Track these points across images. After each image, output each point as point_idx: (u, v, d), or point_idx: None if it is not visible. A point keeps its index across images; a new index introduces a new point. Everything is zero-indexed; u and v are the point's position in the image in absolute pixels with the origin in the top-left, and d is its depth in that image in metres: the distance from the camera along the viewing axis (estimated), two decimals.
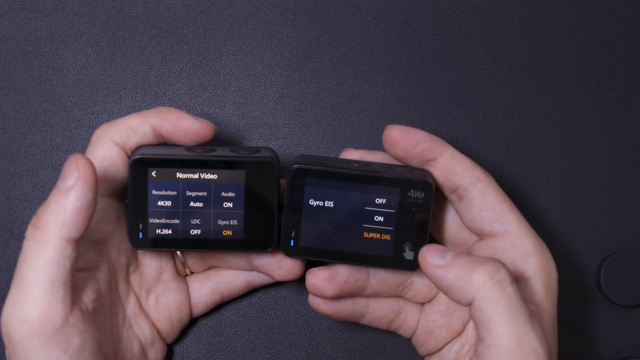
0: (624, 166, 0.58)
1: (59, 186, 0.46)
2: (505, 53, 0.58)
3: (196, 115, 0.57)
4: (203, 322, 0.57)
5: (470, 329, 0.52)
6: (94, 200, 0.46)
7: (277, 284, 0.57)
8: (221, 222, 0.50)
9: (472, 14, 0.58)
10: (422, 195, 0.50)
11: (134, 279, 0.53)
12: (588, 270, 0.58)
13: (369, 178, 0.50)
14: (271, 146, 0.58)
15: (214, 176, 0.50)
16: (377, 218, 0.50)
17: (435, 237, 0.54)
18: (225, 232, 0.51)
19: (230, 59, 0.58)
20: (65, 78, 0.57)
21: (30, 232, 0.46)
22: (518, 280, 0.49)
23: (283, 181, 0.53)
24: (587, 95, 0.58)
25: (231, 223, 0.50)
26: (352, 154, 0.52)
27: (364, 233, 0.51)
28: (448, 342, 0.53)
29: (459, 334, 0.53)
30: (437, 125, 0.58)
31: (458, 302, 0.46)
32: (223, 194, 0.50)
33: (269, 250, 0.51)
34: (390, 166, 0.51)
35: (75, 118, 0.57)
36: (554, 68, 0.58)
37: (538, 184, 0.58)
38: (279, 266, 0.52)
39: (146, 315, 0.53)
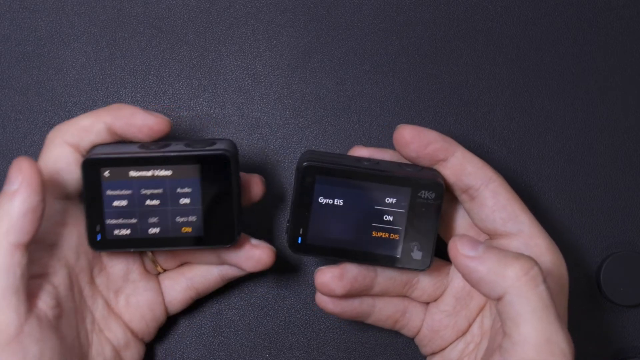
0: (624, 166, 0.58)
1: (3, 191, 0.45)
2: (505, 53, 0.58)
3: (196, 115, 0.57)
4: (203, 322, 0.57)
5: (475, 328, 0.52)
6: (41, 203, 0.45)
7: (277, 284, 0.57)
8: (179, 219, 0.49)
9: (472, 14, 0.58)
10: (433, 195, 0.50)
11: (100, 281, 0.52)
12: (588, 270, 0.58)
13: (380, 177, 0.50)
14: (271, 146, 0.58)
15: (169, 172, 0.49)
16: (386, 217, 0.50)
17: (443, 236, 0.54)
18: (184, 229, 0.50)
19: (230, 59, 0.58)
20: (65, 78, 0.57)
21: None
22: None
23: (250, 175, 0.52)
24: (587, 95, 0.58)
25: (190, 219, 0.50)
26: (361, 152, 0.52)
27: (373, 232, 0.50)
28: (453, 342, 0.53)
29: (464, 333, 0.52)
30: (437, 125, 0.58)
31: (486, 295, 0.45)
32: (179, 190, 0.49)
33: (229, 246, 0.50)
34: (400, 165, 0.51)
35: None
36: (554, 68, 0.58)
37: (538, 184, 0.58)
38: (247, 257, 0.51)
39: (117, 317, 0.52)
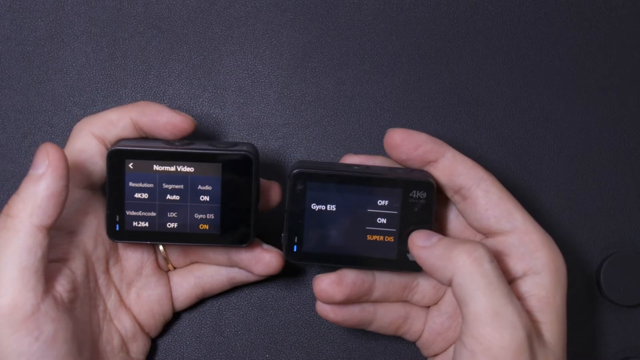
0: (624, 166, 0.58)
1: (30, 175, 0.46)
2: (505, 53, 0.58)
3: (196, 115, 0.57)
4: (203, 322, 0.57)
5: None
6: (65, 188, 0.46)
7: (277, 284, 0.57)
8: (198, 216, 0.50)
9: (472, 14, 0.58)
10: (424, 195, 0.50)
11: (115, 272, 0.53)
12: (588, 270, 0.58)
13: (370, 180, 0.50)
14: (271, 146, 0.58)
15: (191, 169, 0.50)
16: (379, 220, 0.50)
17: None
18: (201, 226, 0.50)
19: (230, 59, 0.58)
20: (65, 78, 0.57)
21: (1, 221, 0.46)
22: (526, 274, 0.49)
23: (269, 182, 0.53)
24: (587, 95, 0.58)
25: (208, 217, 0.50)
26: (352, 159, 0.52)
27: (367, 235, 0.50)
28: (454, 342, 0.53)
29: None
30: (437, 125, 0.58)
31: (441, 282, 0.48)
32: (200, 187, 0.50)
33: (245, 245, 0.51)
34: (390, 168, 0.51)
35: (75, 118, 0.57)
36: (554, 68, 0.58)
37: (538, 184, 0.58)
38: (258, 260, 0.52)
39: (127, 309, 0.53)
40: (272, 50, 0.58)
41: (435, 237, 0.49)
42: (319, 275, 0.51)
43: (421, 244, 0.49)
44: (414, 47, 0.58)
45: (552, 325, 0.48)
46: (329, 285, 0.51)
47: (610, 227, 0.58)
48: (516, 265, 0.49)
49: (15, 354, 0.45)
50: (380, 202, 0.50)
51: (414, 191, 0.50)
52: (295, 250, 0.51)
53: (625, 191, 0.58)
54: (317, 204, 0.50)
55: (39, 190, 0.46)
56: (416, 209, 0.50)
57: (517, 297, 0.49)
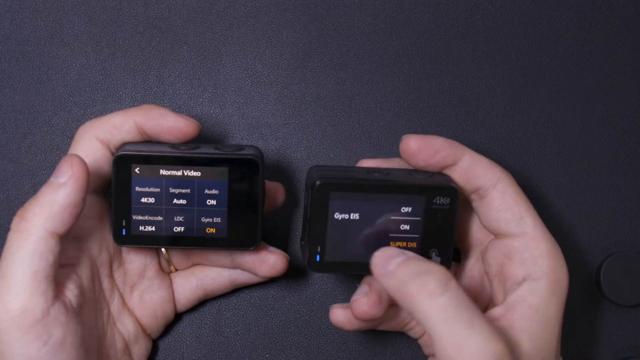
0: (624, 166, 0.58)
1: (51, 182, 0.47)
2: (505, 53, 0.58)
3: (196, 115, 0.57)
4: (203, 322, 0.57)
5: None
6: (83, 201, 0.47)
7: (277, 284, 0.57)
8: (204, 220, 0.50)
9: (472, 14, 0.58)
10: (448, 201, 0.49)
11: (118, 276, 0.53)
12: (588, 270, 0.58)
13: (393, 188, 0.49)
14: (271, 146, 0.58)
15: (198, 173, 0.50)
16: (403, 227, 0.50)
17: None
18: (208, 230, 0.51)
19: (230, 59, 0.58)
20: (65, 78, 0.57)
21: (15, 223, 0.47)
22: (525, 279, 0.49)
23: (274, 184, 0.53)
24: (587, 95, 0.58)
25: (214, 221, 0.50)
26: (368, 163, 0.52)
27: (390, 243, 0.50)
28: None
29: None
30: (437, 125, 0.58)
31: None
32: (206, 191, 0.50)
33: (252, 248, 0.51)
34: (410, 172, 0.50)
35: (75, 118, 0.57)
36: (554, 68, 0.58)
37: (538, 184, 0.58)
38: (262, 262, 0.52)
39: (130, 312, 0.53)
40: (272, 50, 0.58)
41: (393, 262, 0.47)
42: (335, 306, 0.51)
43: (379, 271, 0.47)
44: (414, 47, 0.58)
45: (536, 335, 0.48)
46: (345, 323, 0.51)
47: (610, 227, 0.58)
48: (517, 270, 0.49)
49: (24, 357, 0.45)
50: (403, 209, 0.50)
51: (438, 197, 0.49)
52: (318, 260, 0.50)
53: (625, 191, 0.58)
54: (340, 214, 0.49)
55: (57, 198, 0.46)
56: (439, 215, 0.50)
57: (510, 303, 0.49)
